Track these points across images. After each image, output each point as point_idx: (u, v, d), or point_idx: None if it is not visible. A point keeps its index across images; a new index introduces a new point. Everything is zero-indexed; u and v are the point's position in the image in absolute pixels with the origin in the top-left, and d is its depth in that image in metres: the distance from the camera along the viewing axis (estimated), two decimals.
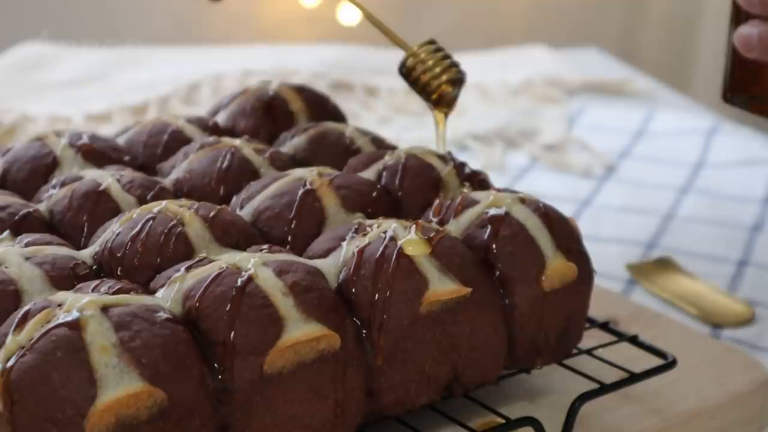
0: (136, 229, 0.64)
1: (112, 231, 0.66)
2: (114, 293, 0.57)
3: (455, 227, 0.68)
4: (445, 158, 0.77)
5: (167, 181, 0.77)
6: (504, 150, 1.35)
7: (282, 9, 2.38)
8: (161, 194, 0.74)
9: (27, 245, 0.65)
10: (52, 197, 0.73)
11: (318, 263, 0.63)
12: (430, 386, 0.64)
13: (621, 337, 0.74)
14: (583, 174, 1.27)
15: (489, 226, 0.67)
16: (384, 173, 0.76)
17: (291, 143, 0.83)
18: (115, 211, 0.71)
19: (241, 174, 0.76)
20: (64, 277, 0.62)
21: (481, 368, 0.66)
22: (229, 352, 0.56)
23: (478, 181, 0.76)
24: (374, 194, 0.73)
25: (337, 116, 0.91)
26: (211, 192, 0.75)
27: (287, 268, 0.60)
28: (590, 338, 0.74)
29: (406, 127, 1.45)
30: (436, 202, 0.72)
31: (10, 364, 0.52)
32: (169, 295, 0.59)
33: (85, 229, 0.70)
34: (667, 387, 0.73)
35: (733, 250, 1.05)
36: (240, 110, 0.89)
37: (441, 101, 0.81)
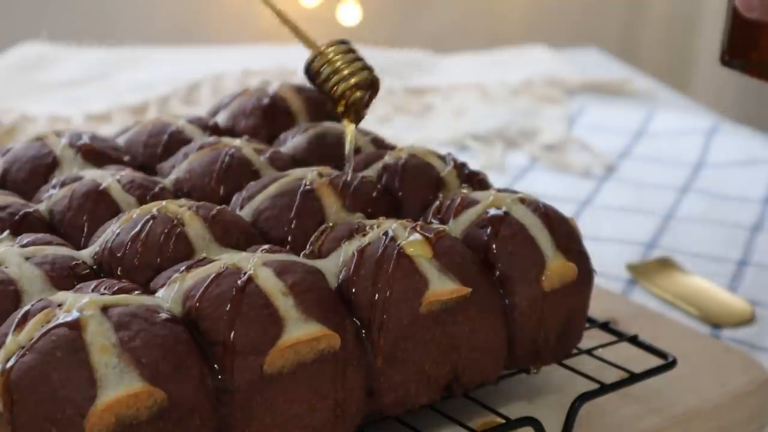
0: (136, 229, 0.64)
1: (112, 231, 0.66)
2: (114, 293, 0.57)
3: (455, 227, 0.68)
4: (445, 158, 0.77)
5: (167, 181, 0.77)
6: (504, 150, 1.35)
7: (282, 9, 2.38)
8: (161, 194, 0.73)
9: (27, 245, 0.65)
10: (52, 197, 0.73)
11: (318, 263, 0.63)
12: (430, 386, 0.64)
13: (621, 337, 0.74)
14: (583, 174, 1.27)
15: (489, 226, 0.67)
16: (384, 173, 0.76)
17: (291, 143, 0.83)
18: (115, 211, 0.71)
19: (241, 174, 0.76)
20: (64, 277, 0.62)
21: (481, 368, 0.66)
22: (229, 352, 0.56)
23: (478, 181, 0.76)
24: (374, 194, 0.73)
25: (337, 116, 0.91)
26: (211, 192, 0.75)
27: (287, 268, 0.60)
28: (590, 338, 0.74)
29: (406, 127, 1.45)
30: (436, 202, 0.72)
31: (10, 364, 0.52)
32: (169, 295, 0.59)
33: (85, 229, 0.70)
34: (667, 387, 0.73)
35: (733, 250, 1.05)
36: (240, 110, 0.89)
37: (349, 109, 0.73)
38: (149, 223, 0.65)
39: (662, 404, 0.72)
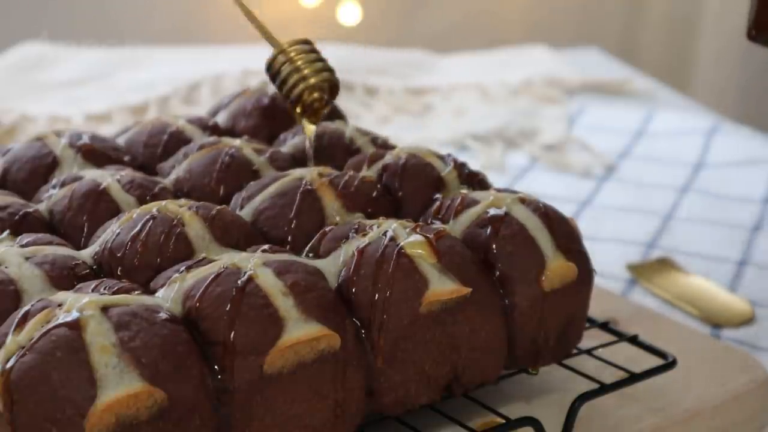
0: (136, 229, 0.64)
1: (112, 231, 0.66)
2: (114, 293, 0.57)
3: (455, 227, 0.68)
4: (445, 158, 0.77)
5: (167, 181, 0.77)
6: (504, 150, 1.35)
7: (282, 9, 2.38)
8: (161, 194, 0.74)
9: (27, 245, 0.65)
10: (52, 197, 0.73)
11: (318, 263, 0.63)
12: (430, 386, 0.64)
13: (621, 337, 0.74)
14: (583, 174, 1.27)
15: (489, 226, 0.67)
16: (384, 173, 0.76)
17: (291, 143, 0.83)
18: (115, 211, 0.71)
19: (241, 174, 0.76)
20: (64, 277, 0.62)
21: (481, 368, 0.66)
22: (229, 352, 0.56)
23: (478, 181, 0.76)
24: (374, 194, 0.73)
25: (337, 116, 0.91)
26: (211, 192, 0.75)
27: (287, 268, 0.60)
28: (590, 338, 0.74)
29: (406, 127, 1.45)
30: (437, 202, 0.72)
31: (10, 364, 0.52)
32: (169, 295, 0.59)
33: (85, 229, 0.70)
34: (667, 387, 0.73)
35: (733, 250, 1.05)
36: (240, 110, 0.89)
37: (307, 110, 0.73)
38: (149, 223, 0.65)
39: (662, 404, 0.72)
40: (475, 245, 0.67)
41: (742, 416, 0.75)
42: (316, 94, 0.72)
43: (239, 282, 0.58)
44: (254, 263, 0.60)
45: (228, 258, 0.61)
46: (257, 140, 0.84)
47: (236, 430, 0.57)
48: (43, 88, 1.56)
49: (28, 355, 0.52)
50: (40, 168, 0.79)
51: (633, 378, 0.69)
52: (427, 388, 0.64)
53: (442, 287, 0.62)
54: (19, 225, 0.69)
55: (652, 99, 1.61)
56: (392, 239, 0.63)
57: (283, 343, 0.57)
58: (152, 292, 0.61)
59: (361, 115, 1.47)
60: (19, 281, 0.60)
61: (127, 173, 0.75)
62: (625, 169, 1.29)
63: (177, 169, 0.78)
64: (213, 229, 0.66)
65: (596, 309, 0.76)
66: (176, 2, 2.38)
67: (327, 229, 0.67)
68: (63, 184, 0.74)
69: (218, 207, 0.68)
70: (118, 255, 0.64)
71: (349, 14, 2.34)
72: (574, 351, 0.72)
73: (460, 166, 0.77)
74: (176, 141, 0.84)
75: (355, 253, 0.63)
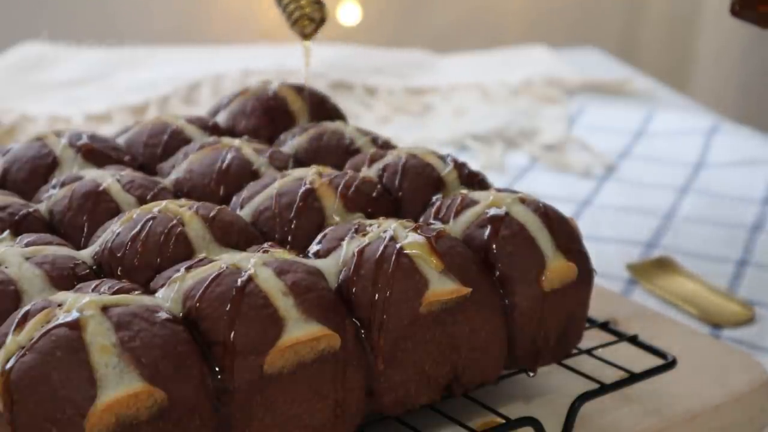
0: (136, 229, 0.64)
1: (112, 231, 0.66)
2: (114, 293, 0.57)
3: (455, 227, 0.68)
4: (445, 158, 0.77)
5: (167, 181, 0.77)
6: (504, 150, 1.35)
7: None
8: (161, 194, 0.74)
9: (27, 245, 0.65)
10: (52, 197, 0.73)
11: (318, 263, 0.63)
12: (430, 386, 0.64)
13: (621, 337, 0.74)
14: (583, 174, 1.27)
15: (489, 226, 0.67)
16: (384, 173, 0.76)
17: (291, 143, 0.83)
18: (115, 211, 0.71)
19: (241, 174, 0.76)
20: (64, 277, 0.62)
21: (481, 368, 0.66)
22: (229, 352, 0.56)
23: (478, 182, 0.76)
24: (374, 194, 0.73)
25: (337, 116, 0.91)
26: (211, 192, 0.75)
27: (287, 268, 0.60)
28: (590, 338, 0.74)
29: (406, 127, 1.45)
30: (437, 202, 0.72)
31: (10, 364, 0.52)
32: (169, 295, 0.59)
33: (85, 229, 0.70)
34: (667, 387, 0.73)
35: (733, 250, 1.05)
36: (240, 110, 0.89)
37: (302, 32, 0.86)
38: (149, 223, 0.65)
39: (662, 404, 0.72)
40: (475, 245, 0.67)
41: (741, 416, 0.75)
42: (305, 22, 0.85)
43: (239, 282, 0.58)
44: (254, 263, 0.60)
45: (228, 258, 0.61)
46: (257, 140, 0.84)
47: (236, 430, 0.57)
48: (43, 88, 1.56)
49: (28, 355, 0.52)
50: (40, 168, 0.79)
51: (633, 378, 0.69)
52: (427, 388, 0.64)
53: (442, 287, 0.62)
54: (19, 225, 0.69)
55: (652, 99, 1.61)
56: (392, 239, 0.63)
57: (283, 343, 0.57)
58: (152, 292, 0.61)
59: (361, 115, 1.47)
60: (19, 281, 0.60)
61: (127, 173, 0.75)
62: (624, 169, 1.29)
63: (177, 169, 0.78)
64: (213, 229, 0.66)
65: (596, 309, 0.76)
66: (176, 2, 2.38)
67: (328, 230, 0.67)
68: (63, 184, 0.74)
69: (218, 207, 0.68)
70: (118, 255, 0.64)
71: (349, 14, 2.34)
72: (574, 351, 0.72)
73: (460, 166, 0.77)
74: (176, 141, 0.84)
75: (355, 253, 0.63)
